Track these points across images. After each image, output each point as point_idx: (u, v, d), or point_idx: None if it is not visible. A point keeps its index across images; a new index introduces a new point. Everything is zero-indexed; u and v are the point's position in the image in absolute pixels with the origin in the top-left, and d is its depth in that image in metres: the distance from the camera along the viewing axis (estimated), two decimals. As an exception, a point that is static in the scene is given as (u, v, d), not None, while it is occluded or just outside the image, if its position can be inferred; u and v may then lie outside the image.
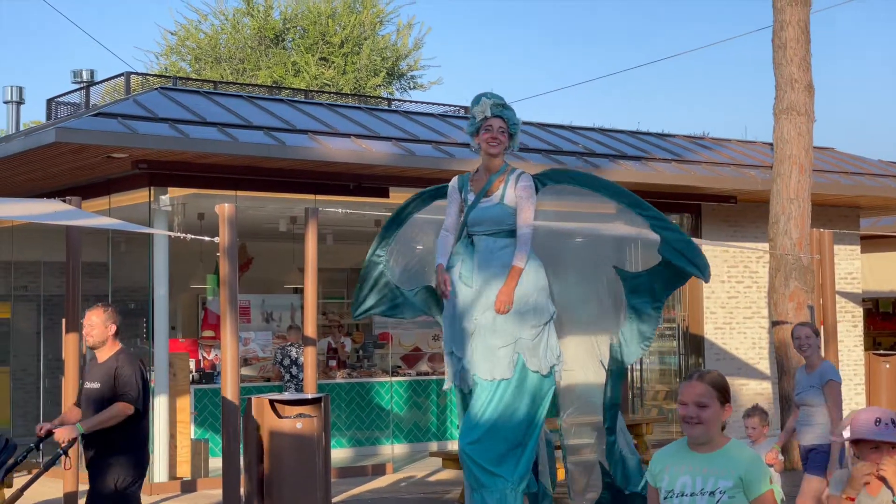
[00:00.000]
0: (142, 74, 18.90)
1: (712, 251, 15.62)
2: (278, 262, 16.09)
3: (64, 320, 10.57)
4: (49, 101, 17.68)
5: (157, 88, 13.22)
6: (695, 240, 14.63)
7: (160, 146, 11.10)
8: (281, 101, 13.90)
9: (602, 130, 16.12)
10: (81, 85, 18.25)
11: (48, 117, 17.60)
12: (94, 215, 10.10)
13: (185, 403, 12.04)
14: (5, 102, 19.45)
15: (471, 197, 6.35)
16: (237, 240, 8.68)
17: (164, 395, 11.85)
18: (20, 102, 19.35)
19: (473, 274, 6.27)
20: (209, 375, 13.58)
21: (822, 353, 8.09)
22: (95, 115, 11.50)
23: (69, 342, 10.31)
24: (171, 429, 11.86)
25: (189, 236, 8.83)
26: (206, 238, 8.70)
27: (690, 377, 4.02)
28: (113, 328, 6.81)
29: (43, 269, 14.88)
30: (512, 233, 6.28)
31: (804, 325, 8.01)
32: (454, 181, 6.50)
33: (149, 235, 11.71)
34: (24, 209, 9.69)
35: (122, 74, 16.76)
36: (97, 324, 6.77)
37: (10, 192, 13.11)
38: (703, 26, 58.53)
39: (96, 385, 6.73)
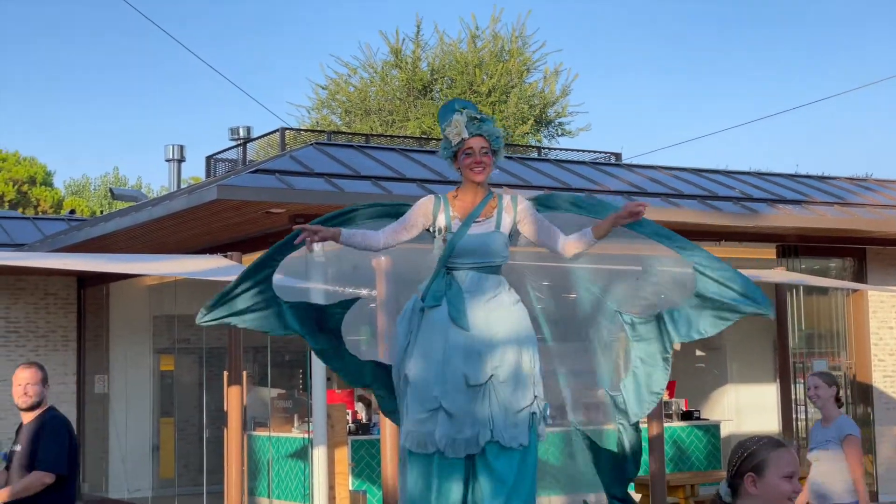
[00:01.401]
0: (296, 130, 19.33)
1: (879, 297, 15.04)
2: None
3: (225, 372, 10.80)
4: (208, 159, 18.26)
5: (312, 144, 13.48)
6: (861, 285, 14.24)
7: (317, 201, 11.27)
8: (432, 152, 14.00)
9: (759, 174, 15.75)
10: (238, 142, 18.78)
11: (207, 174, 18.15)
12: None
13: (343, 455, 12.12)
14: (167, 161, 20.16)
15: (455, 223, 5.19)
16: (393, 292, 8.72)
17: (323, 447, 11.96)
18: (181, 160, 20.03)
19: (467, 315, 5.11)
20: (365, 426, 13.65)
21: (841, 405, 7.48)
22: (254, 171, 11.77)
23: (231, 394, 10.52)
24: (329, 480, 11.94)
25: (346, 290, 8.89)
26: (364, 291, 8.75)
27: (784, 444, 3.42)
28: (48, 387, 6.32)
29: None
30: (500, 267, 5.24)
31: (814, 376, 7.41)
32: (429, 201, 5.30)
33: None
34: (189, 266, 9.97)
35: (277, 130, 17.21)
36: (35, 383, 6.25)
37: (172, 247, 13.50)
38: (864, 65, 57.08)
39: (19, 447, 6.22)
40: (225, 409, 13.51)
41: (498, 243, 5.16)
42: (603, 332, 5.74)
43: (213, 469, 14.54)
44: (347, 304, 5.71)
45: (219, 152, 18.57)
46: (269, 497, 14.31)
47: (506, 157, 14.93)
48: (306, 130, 21.35)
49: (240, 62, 61.03)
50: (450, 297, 5.11)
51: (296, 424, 14.24)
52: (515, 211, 5.22)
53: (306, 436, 13.23)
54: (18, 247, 15.59)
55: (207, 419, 15.17)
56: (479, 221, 5.16)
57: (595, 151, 17.35)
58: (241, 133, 19.22)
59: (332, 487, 12.00)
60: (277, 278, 5.50)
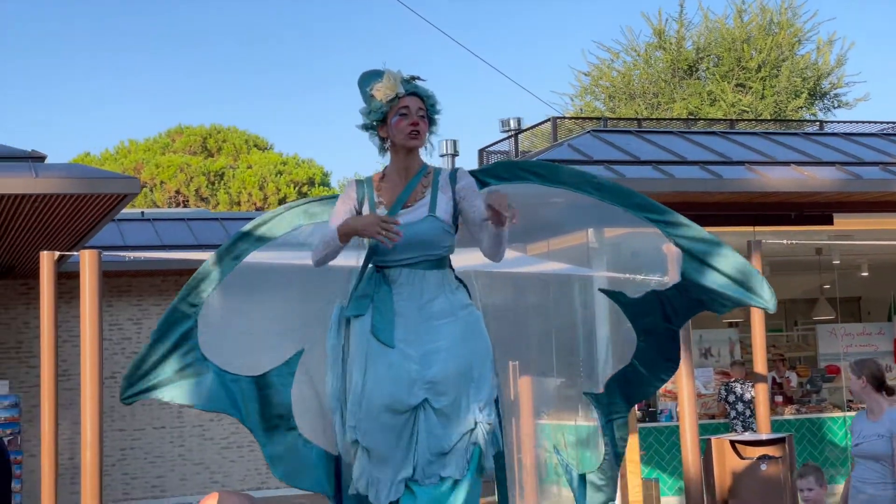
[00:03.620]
0: (568, 118, 19.35)
1: None
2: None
3: (512, 363, 10.93)
4: (480, 151, 18.53)
5: (588, 131, 13.46)
6: None
7: (597, 188, 11.24)
8: (712, 133, 13.72)
9: None
10: (510, 133, 18.96)
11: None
12: (539, 260, 10.38)
13: (634, 443, 12.03)
14: (441, 156, 20.58)
15: (381, 212, 4.10)
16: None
17: (612, 435, 11.95)
18: (454, 154, 20.40)
19: (400, 330, 4.03)
20: (652, 414, 13.54)
21: (892, 393, 6.44)
22: (534, 162, 11.85)
23: (522, 384, 10.63)
24: (620, 468, 11.89)
25: (636, 277, 8.83)
26: (654, 277, 8.66)
27: None
28: None
29: (488, 313, 15.49)
30: (443, 261, 4.14)
31: (853, 364, 6.50)
32: (352, 188, 4.21)
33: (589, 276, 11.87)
34: (474, 259, 10.13)
35: (548, 120, 17.26)
36: None
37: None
38: None
39: None
40: (511, 398, 13.72)
41: (428, 231, 4.05)
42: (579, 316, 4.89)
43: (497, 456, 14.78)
44: (293, 363, 4.36)
45: (490, 145, 18.82)
46: (557, 486, 14.41)
47: (786, 132, 14.41)
48: (578, 118, 21.35)
49: (504, 53, 61.81)
50: (377, 303, 4.05)
51: (580, 413, 14.28)
52: (453, 188, 4.14)
53: (593, 423, 13.25)
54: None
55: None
56: (408, 206, 4.09)
57: (880, 122, 16.49)
58: (512, 125, 19.38)
59: (623, 476, 11.94)
60: (205, 334, 4.32)
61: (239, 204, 33.87)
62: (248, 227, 4.41)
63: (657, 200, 12.28)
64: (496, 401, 4.13)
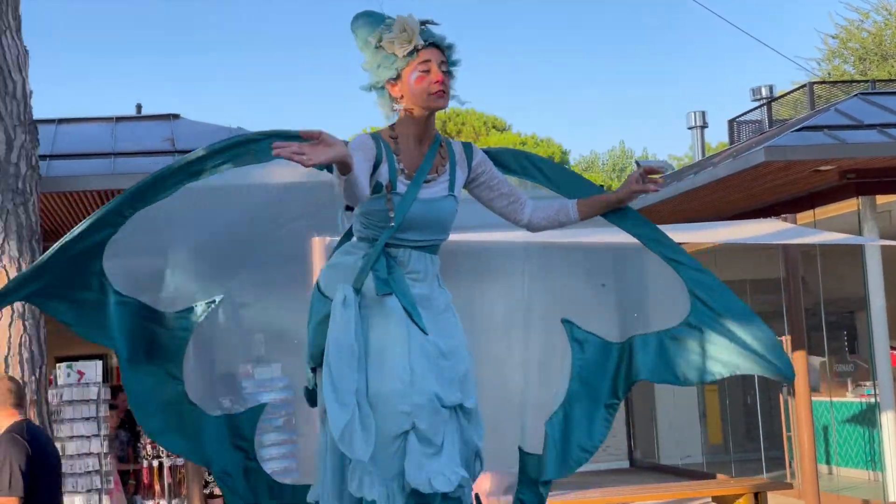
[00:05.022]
0: (823, 82, 18.58)
1: None
2: None
3: (783, 337, 10.58)
4: (730, 122, 18.04)
5: (856, 94, 12.88)
6: None
7: (869, 154, 10.75)
8: None
9: None
10: (761, 102, 18.36)
11: (730, 138, 17.93)
12: (815, 231, 10.03)
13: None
14: (689, 128, 20.17)
15: (402, 182, 3.47)
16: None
17: (891, 412, 11.46)
18: (703, 126, 19.95)
19: (425, 319, 3.46)
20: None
21: None
22: (799, 129, 11.42)
23: (796, 359, 10.28)
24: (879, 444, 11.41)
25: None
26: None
27: None
28: (10, 399, 5.69)
29: (749, 287, 15.03)
30: (439, 249, 3.60)
31: None
32: (371, 141, 3.48)
33: (859, 245, 11.38)
34: (748, 231, 9.85)
35: (803, 85, 16.62)
36: None
37: (713, 213, 13.46)
38: None
39: None
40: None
41: (451, 213, 3.54)
42: (532, 348, 4.13)
43: (767, 434, 14.43)
44: (206, 307, 3.90)
45: (741, 115, 18.28)
46: (828, 464, 13.88)
47: None
48: (835, 82, 20.48)
49: (748, 19, 60.04)
50: (394, 286, 3.44)
51: (850, 388, 13.71)
52: (470, 166, 3.62)
53: (862, 399, 12.69)
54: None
55: (759, 385, 15.00)
56: (428, 180, 3.51)
57: None
58: (763, 93, 18.75)
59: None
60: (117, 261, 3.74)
61: (480, 186, 34.28)
62: (202, 152, 3.74)
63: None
64: None
